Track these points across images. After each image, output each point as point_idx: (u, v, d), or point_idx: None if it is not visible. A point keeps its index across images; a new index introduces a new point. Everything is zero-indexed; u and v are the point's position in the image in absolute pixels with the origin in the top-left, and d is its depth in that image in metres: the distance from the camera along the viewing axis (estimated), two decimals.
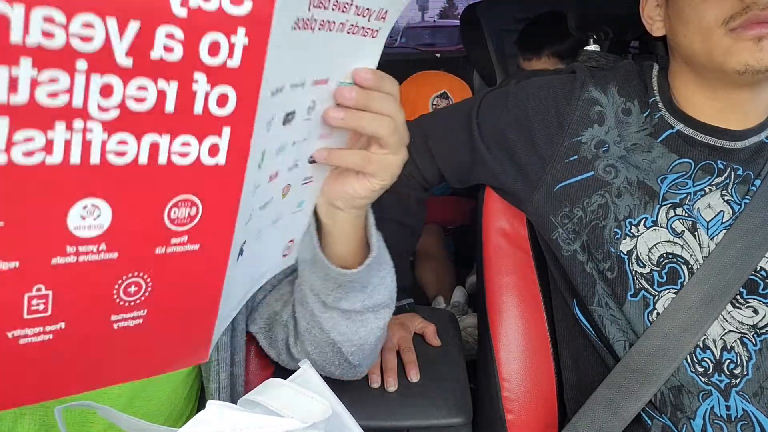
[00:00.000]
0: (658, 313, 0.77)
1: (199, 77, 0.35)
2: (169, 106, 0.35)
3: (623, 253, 0.79)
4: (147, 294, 0.40)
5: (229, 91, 0.36)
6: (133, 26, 0.31)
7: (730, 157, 0.79)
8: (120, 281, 0.39)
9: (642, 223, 0.78)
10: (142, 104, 0.34)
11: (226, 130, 0.37)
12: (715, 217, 0.78)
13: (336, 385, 0.57)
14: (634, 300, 0.78)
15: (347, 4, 0.45)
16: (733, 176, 0.78)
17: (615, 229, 0.79)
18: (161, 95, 0.34)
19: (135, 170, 0.35)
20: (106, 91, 0.32)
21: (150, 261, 0.39)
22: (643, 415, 0.78)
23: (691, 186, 0.79)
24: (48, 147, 0.32)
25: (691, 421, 0.74)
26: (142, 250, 0.38)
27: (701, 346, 0.76)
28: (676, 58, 0.81)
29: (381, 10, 0.49)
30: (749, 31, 0.69)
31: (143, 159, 0.35)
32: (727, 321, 0.76)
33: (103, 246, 0.37)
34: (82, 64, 0.31)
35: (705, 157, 0.79)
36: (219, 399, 0.69)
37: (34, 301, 0.36)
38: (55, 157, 0.32)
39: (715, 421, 0.73)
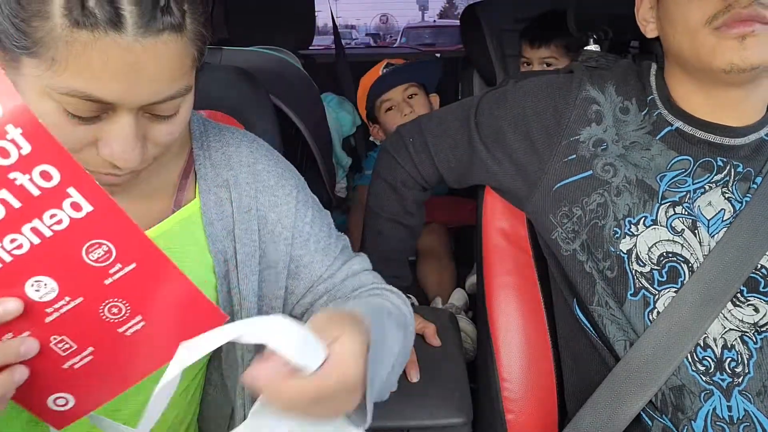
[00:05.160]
0: (658, 312, 0.77)
1: (14, 175, 0.44)
2: (15, 203, 0.45)
3: (623, 252, 0.79)
4: (130, 307, 0.52)
5: (45, 167, 0.45)
6: None
7: (730, 153, 0.79)
8: (101, 310, 0.51)
9: (641, 221, 0.78)
10: None
11: (72, 190, 0.46)
12: (716, 215, 0.78)
13: None
14: (635, 299, 0.78)
15: None
16: (733, 173, 0.78)
17: (614, 228, 0.79)
18: (3, 201, 0.45)
19: (37, 249, 0.47)
20: None
21: (108, 289, 0.50)
22: (644, 415, 0.78)
23: (690, 184, 0.79)
24: None
25: (692, 422, 0.74)
26: (94, 287, 0.50)
27: (702, 345, 0.76)
28: (669, 58, 0.82)
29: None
30: (732, 30, 0.70)
31: (35, 240, 0.47)
32: (727, 319, 0.76)
33: (67, 298, 0.50)
34: None
35: (704, 154, 0.79)
36: (244, 414, 0.74)
37: (59, 345, 0.51)
38: None
39: (717, 423, 0.73)
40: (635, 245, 0.78)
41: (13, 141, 0.43)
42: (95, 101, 0.53)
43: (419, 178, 1.02)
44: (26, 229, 0.46)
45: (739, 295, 0.76)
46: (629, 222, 0.79)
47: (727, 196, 0.78)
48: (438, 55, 2.53)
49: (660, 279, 0.77)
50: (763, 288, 0.76)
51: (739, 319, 0.76)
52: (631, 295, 0.78)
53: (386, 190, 1.04)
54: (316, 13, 2.03)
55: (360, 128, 2.05)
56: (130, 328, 0.53)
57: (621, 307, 0.79)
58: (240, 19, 1.72)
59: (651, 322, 0.77)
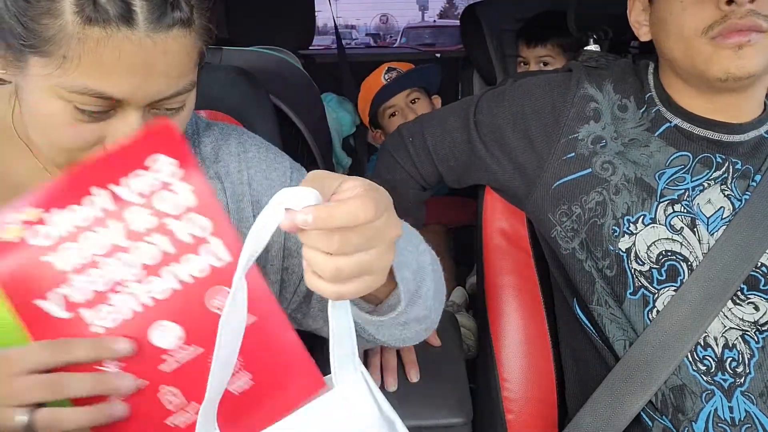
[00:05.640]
0: (657, 311, 0.77)
1: (176, 224, 0.49)
2: (170, 249, 0.49)
3: (622, 251, 0.79)
4: (243, 362, 0.51)
5: (202, 219, 0.49)
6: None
7: (729, 150, 0.79)
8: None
9: (640, 220, 0.78)
10: (152, 257, 0.49)
11: (214, 239, 0.49)
12: (715, 212, 0.78)
13: None
14: (634, 298, 0.78)
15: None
16: (731, 170, 0.78)
17: (613, 227, 0.79)
18: (160, 248, 0.48)
19: (176, 295, 0.49)
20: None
21: None
22: (644, 416, 0.78)
23: (689, 181, 0.79)
24: (117, 310, 0.49)
25: (693, 423, 0.74)
26: (214, 337, 0.49)
27: (702, 344, 0.75)
28: (663, 62, 0.82)
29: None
30: (728, 40, 0.70)
31: (176, 285, 0.49)
32: (727, 318, 0.76)
33: (189, 348, 0.50)
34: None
35: (703, 150, 0.79)
36: None
37: (168, 397, 0.51)
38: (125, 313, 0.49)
39: (719, 425, 0.73)
40: (634, 244, 0.78)
41: (181, 194, 0.48)
42: (106, 98, 0.53)
43: (419, 177, 1.02)
44: (170, 274, 0.49)
45: (739, 293, 0.76)
46: (628, 220, 0.79)
47: (726, 193, 0.78)
48: (438, 55, 2.53)
49: (659, 278, 0.77)
50: (763, 286, 0.76)
51: (739, 318, 0.75)
52: (630, 294, 0.78)
53: (385, 189, 1.04)
54: (316, 13, 2.03)
55: (359, 128, 2.05)
56: (238, 386, 0.52)
57: (620, 306, 0.79)
58: (240, 19, 1.72)
59: (650, 321, 0.77)
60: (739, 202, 0.78)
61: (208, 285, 0.49)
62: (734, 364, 0.74)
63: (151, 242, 0.48)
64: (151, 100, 0.55)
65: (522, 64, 1.68)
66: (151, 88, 0.54)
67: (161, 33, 0.52)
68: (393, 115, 1.77)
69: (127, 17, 0.50)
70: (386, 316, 0.58)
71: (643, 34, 0.83)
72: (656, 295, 0.77)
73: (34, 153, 0.64)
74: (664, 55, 0.80)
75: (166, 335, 0.49)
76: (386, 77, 1.78)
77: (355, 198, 0.45)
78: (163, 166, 0.48)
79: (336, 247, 0.44)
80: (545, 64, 1.62)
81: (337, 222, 0.43)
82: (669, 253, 0.77)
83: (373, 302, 0.60)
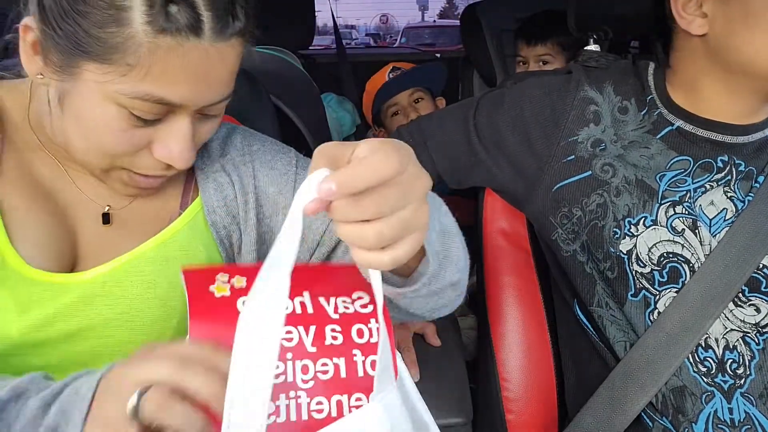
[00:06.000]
0: (659, 313, 0.77)
1: (357, 352, 0.51)
2: (342, 374, 0.50)
3: (623, 253, 0.78)
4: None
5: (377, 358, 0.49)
6: (312, 328, 0.51)
7: (732, 151, 0.78)
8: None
9: (641, 222, 0.78)
10: (326, 375, 0.50)
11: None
12: (718, 214, 0.78)
13: None
14: (635, 300, 0.78)
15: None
16: (734, 172, 0.78)
17: (614, 229, 0.79)
18: (336, 367, 0.50)
19: (328, 421, 0.49)
20: (305, 369, 0.50)
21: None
22: (644, 416, 0.78)
23: (690, 183, 0.79)
24: (276, 411, 0.49)
25: (693, 424, 0.74)
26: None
27: (703, 346, 0.75)
28: (714, 60, 0.75)
29: None
30: None
31: (333, 413, 0.50)
32: (728, 319, 0.76)
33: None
34: (289, 355, 0.50)
35: (705, 154, 0.79)
36: None
37: None
38: (281, 417, 0.49)
39: (719, 426, 0.73)
40: (635, 246, 0.78)
41: (371, 331, 0.52)
42: (165, 104, 0.54)
43: None
44: (335, 402, 0.51)
45: (740, 294, 0.76)
46: (629, 222, 0.79)
47: (729, 195, 0.78)
48: (438, 55, 2.53)
49: (660, 279, 0.77)
50: (764, 288, 0.75)
51: (740, 320, 0.75)
52: (631, 295, 0.78)
53: None
54: (316, 13, 2.03)
55: (360, 128, 2.06)
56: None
57: (621, 307, 0.79)
58: None
59: (651, 323, 0.77)
60: (742, 204, 0.77)
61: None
62: (734, 365, 0.74)
63: (335, 361, 0.51)
64: (206, 104, 0.57)
65: (521, 63, 1.67)
66: (208, 93, 0.56)
67: (222, 42, 0.54)
68: (396, 114, 1.76)
69: (195, 27, 0.52)
70: (418, 283, 0.55)
71: (696, 28, 0.75)
72: (657, 297, 0.77)
73: (57, 158, 0.64)
74: (736, 55, 0.72)
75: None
76: (390, 76, 1.79)
77: (376, 152, 0.40)
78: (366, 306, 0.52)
79: (372, 210, 0.40)
80: (545, 62, 1.61)
81: (363, 181, 0.39)
82: (670, 255, 0.77)
83: (405, 274, 0.57)
